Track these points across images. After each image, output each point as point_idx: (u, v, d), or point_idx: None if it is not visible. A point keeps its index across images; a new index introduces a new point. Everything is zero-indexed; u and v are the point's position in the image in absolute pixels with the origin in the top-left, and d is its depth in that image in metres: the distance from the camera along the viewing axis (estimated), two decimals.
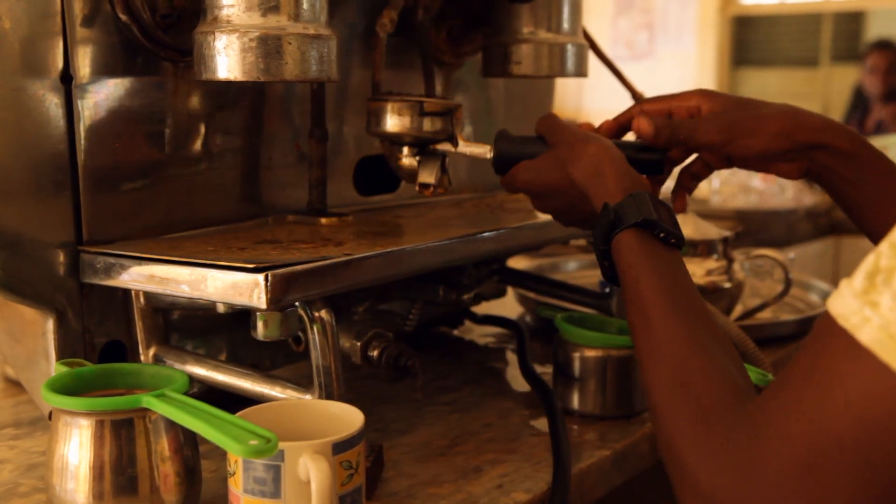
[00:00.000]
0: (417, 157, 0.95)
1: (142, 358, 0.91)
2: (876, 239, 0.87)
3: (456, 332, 1.36)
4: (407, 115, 0.93)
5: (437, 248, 0.89)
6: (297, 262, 0.77)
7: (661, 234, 0.78)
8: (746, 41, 7.70)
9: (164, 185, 0.94)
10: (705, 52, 6.33)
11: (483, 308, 1.36)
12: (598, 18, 6.39)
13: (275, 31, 0.80)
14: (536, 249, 1.30)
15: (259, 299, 0.74)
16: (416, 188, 0.95)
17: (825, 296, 1.47)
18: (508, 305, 1.42)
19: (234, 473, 0.71)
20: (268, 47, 0.80)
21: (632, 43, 6.41)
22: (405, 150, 0.95)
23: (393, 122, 0.93)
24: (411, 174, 0.96)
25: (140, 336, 0.91)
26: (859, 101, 5.95)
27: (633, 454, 0.97)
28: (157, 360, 0.91)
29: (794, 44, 8.16)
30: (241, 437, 0.65)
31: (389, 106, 0.94)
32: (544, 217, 1.07)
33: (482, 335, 1.35)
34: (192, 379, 0.90)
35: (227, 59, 0.81)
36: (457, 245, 0.91)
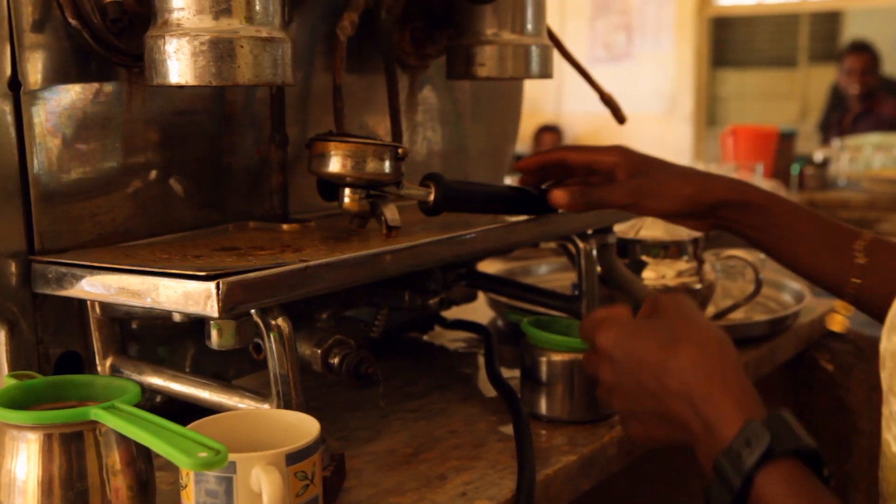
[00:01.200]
0: (370, 200, 0.95)
1: (98, 369, 0.89)
2: (796, 270, 0.99)
3: (426, 338, 1.35)
4: (353, 158, 0.92)
5: (397, 254, 0.87)
6: (250, 270, 0.75)
7: (826, 472, 0.65)
8: (725, 42, 7.73)
9: (119, 192, 0.92)
10: (683, 53, 6.34)
11: (455, 313, 1.34)
12: (576, 20, 6.40)
13: (227, 35, 0.79)
14: (504, 253, 1.29)
15: (211, 308, 0.73)
16: (384, 232, 0.95)
17: (797, 296, 1.47)
18: (480, 310, 1.41)
19: (186, 486, 0.69)
20: (219, 51, 0.79)
21: (610, 44, 6.41)
22: (348, 191, 0.94)
23: (336, 165, 0.92)
24: (357, 215, 0.96)
25: (96, 346, 0.89)
26: (837, 101, 5.98)
27: (601, 459, 0.96)
28: (115, 370, 0.89)
29: (772, 44, 8.20)
30: (189, 450, 0.63)
31: (333, 148, 0.93)
32: (512, 219, 1.07)
33: (452, 340, 1.34)
34: (151, 390, 0.89)
35: (179, 64, 0.79)
36: (418, 250, 0.90)
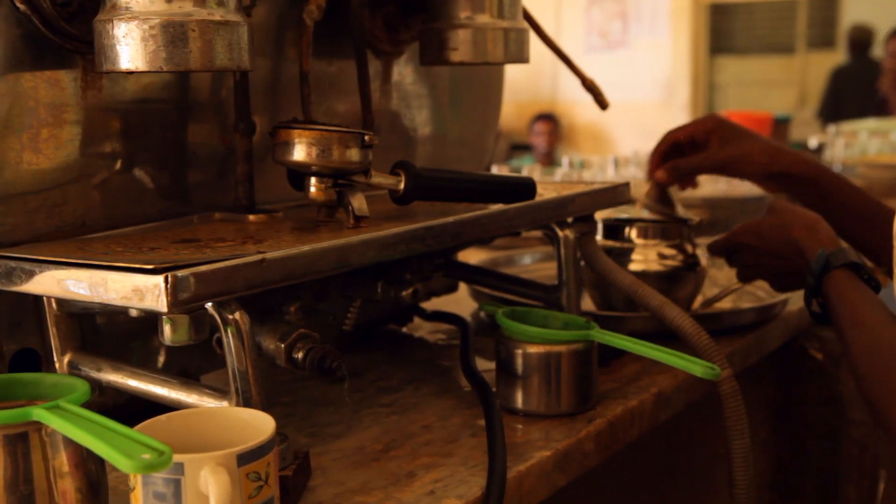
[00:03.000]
0: (337, 190, 0.92)
1: (56, 365, 0.86)
2: (842, 236, 1.14)
3: (405, 330, 1.32)
4: (318, 146, 0.89)
5: (360, 245, 0.84)
6: (202, 262, 0.72)
7: (865, 276, 1.02)
8: (722, 29, 7.69)
9: (76, 184, 0.89)
10: (679, 40, 6.31)
11: (438, 304, 1.32)
12: (571, 8, 6.37)
13: (178, 18, 0.76)
14: (481, 242, 1.25)
15: (160, 302, 0.70)
16: (350, 222, 0.92)
17: None
18: (464, 301, 1.38)
19: (134, 489, 0.67)
20: (170, 35, 0.76)
21: (605, 32, 6.38)
22: (314, 180, 0.91)
23: (301, 153, 0.90)
24: (324, 205, 0.94)
25: (54, 343, 0.86)
26: (836, 87, 5.94)
27: (577, 454, 0.93)
28: (73, 367, 0.86)
29: (770, 31, 8.15)
30: (132, 451, 0.60)
31: (297, 135, 0.90)
32: (490, 207, 1.04)
33: (432, 332, 1.31)
34: (111, 387, 0.86)
35: (128, 49, 0.76)
36: (382, 240, 0.87)
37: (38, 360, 0.87)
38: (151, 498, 0.65)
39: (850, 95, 5.81)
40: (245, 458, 0.66)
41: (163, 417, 0.71)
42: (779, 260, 1.15)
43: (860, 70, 6.08)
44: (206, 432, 0.71)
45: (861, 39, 6.17)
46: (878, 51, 6.23)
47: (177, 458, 0.63)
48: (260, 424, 0.70)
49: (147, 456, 0.60)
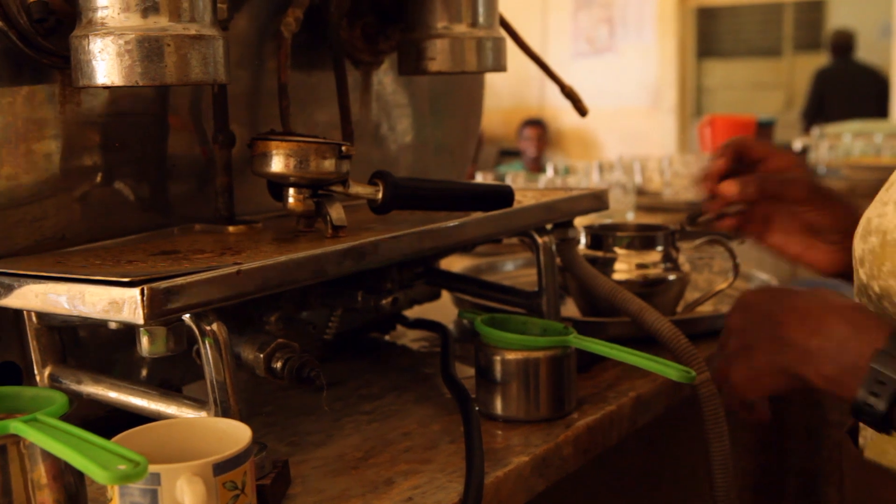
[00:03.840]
0: (315, 200, 0.93)
1: (37, 378, 0.87)
2: None
3: (388, 338, 1.33)
4: (295, 157, 0.90)
5: (337, 254, 0.85)
6: (178, 274, 0.73)
7: None
8: (710, 32, 7.72)
9: (57, 197, 0.90)
10: (666, 44, 6.33)
11: (420, 311, 1.32)
12: (558, 14, 6.39)
13: (153, 33, 0.77)
14: (460, 250, 1.26)
15: (137, 315, 0.71)
16: (329, 232, 0.93)
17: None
18: (446, 308, 1.39)
19: (112, 499, 0.67)
20: (145, 50, 0.76)
21: (592, 38, 6.40)
22: (292, 191, 0.92)
23: (279, 164, 0.90)
24: (302, 215, 0.95)
25: (34, 356, 0.86)
26: (819, 89, 5.97)
27: (556, 459, 0.94)
28: (53, 380, 0.87)
29: (757, 34, 8.20)
30: (108, 463, 0.61)
31: (275, 147, 0.91)
32: (469, 215, 1.05)
33: (415, 340, 1.32)
34: (91, 398, 0.87)
35: (104, 64, 0.77)
36: (359, 249, 0.88)
37: (19, 373, 0.88)
38: None
39: (833, 97, 5.85)
40: (221, 467, 0.66)
41: (141, 428, 0.72)
42: (769, 330, 0.87)
43: (843, 72, 6.12)
44: (183, 442, 0.72)
45: (843, 42, 6.22)
46: (860, 53, 6.28)
47: (153, 468, 0.64)
48: (237, 434, 0.71)
49: (123, 467, 0.61)
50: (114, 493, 0.67)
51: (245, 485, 0.69)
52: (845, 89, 5.87)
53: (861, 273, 0.89)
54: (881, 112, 5.80)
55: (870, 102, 5.82)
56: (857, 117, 4.33)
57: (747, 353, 0.88)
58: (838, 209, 1.04)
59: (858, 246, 0.89)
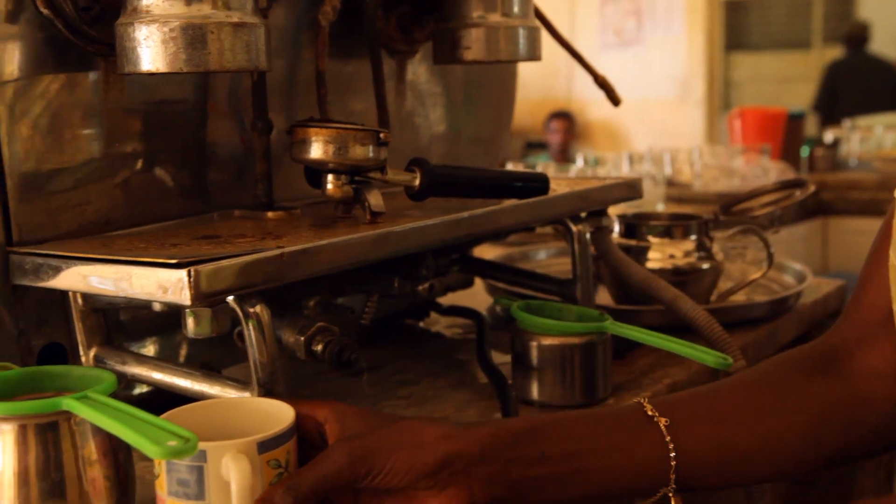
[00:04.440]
0: (353, 186, 0.93)
1: (82, 359, 0.89)
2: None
3: (422, 324, 1.34)
4: (334, 143, 0.91)
5: (377, 240, 0.86)
6: (224, 257, 0.74)
7: None
8: (738, 25, 7.67)
9: (99, 183, 0.92)
10: (694, 37, 6.30)
11: (454, 298, 1.33)
12: (585, 6, 6.37)
13: (197, 21, 0.78)
14: (495, 238, 1.27)
15: (184, 296, 0.72)
16: (367, 218, 0.93)
17: (799, 276, 1.45)
18: (479, 296, 1.40)
19: (159, 476, 0.69)
20: (189, 37, 0.78)
21: (620, 30, 6.38)
22: (331, 177, 0.93)
23: (318, 151, 0.91)
24: (341, 201, 0.95)
25: (80, 337, 0.88)
26: (832, 81, 5.90)
27: None
28: (98, 361, 0.88)
29: (785, 26, 8.13)
30: (159, 439, 0.63)
31: (314, 133, 0.92)
32: (503, 203, 1.06)
33: (449, 326, 1.33)
34: (136, 380, 0.89)
35: (149, 51, 0.78)
36: (398, 235, 0.89)
37: (64, 354, 0.90)
38: (175, 484, 0.67)
39: (846, 90, 5.79)
40: (265, 445, 0.68)
41: (187, 407, 0.73)
42: None
43: (856, 65, 6.07)
44: (228, 422, 0.73)
45: (858, 35, 6.17)
46: (889, 45, 6.21)
47: (200, 445, 0.65)
48: (280, 413, 0.72)
49: (173, 443, 0.62)
50: (161, 469, 0.68)
51: (289, 463, 0.70)
52: (858, 82, 5.81)
53: (893, 292, 0.79)
54: (895, 105, 5.74)
55: (884, 96, 5.76)
56: (871, 110, 4.28)
57: None
58: (406, 455, 0.68)
59: (891, 257, 0.80)
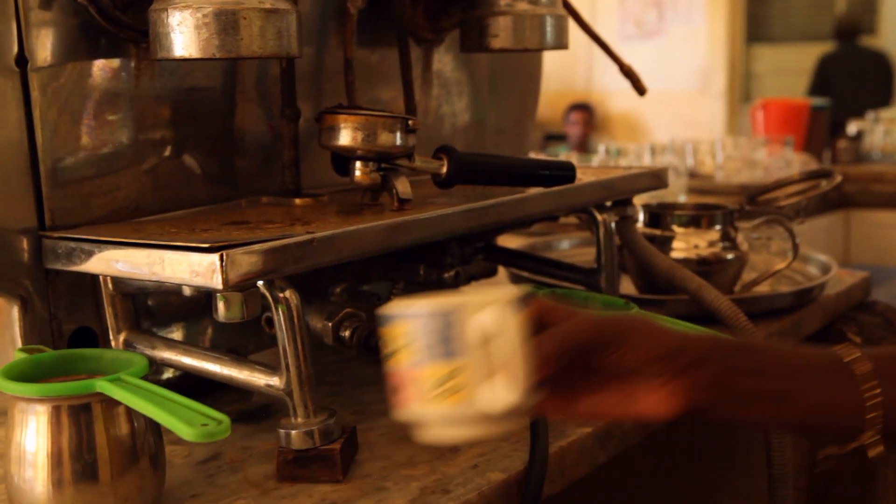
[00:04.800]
0: (381, 173, 0.94)
1: (112, 343, 0.89)
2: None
3: None
4: (362, 130, 0.91)
5: (405, 226, 0.87)
6: (254, 241, 0.75)
7: None
8: (760, 17, 7.62)
9: (129, 169, 0.92)
10: (716, 29, 6.26)
11: (476, 287, 1.34)
12: None
13: (230, 7, 0.79)
14: (520, 226, 1.27)
15: (216, 280, 0.73)
16: (395, 205, 0.94)
17: (824, 267, 1.44)
18: (502, 284, 1.40)
19: (398, 350, 0.65)
20: (223, 23, 0.78)
21: (641, 21, 6.34)
22: (359, 164, 0.94)
23: (346, 137, 0.92)
24: (368, 188, 0.96)
25: (110, 322, 0.89)
26: (823, 72, 5.84)
27: (618, 431, 0.95)
28: (128, 345, 0.89)
29: (807, 19, 8.07)
30: (192, 420, 0.64)
31: (343, 120, 0.92)
32: (528, 191, 1.05)
33: None
34: (166, 364, 0.89)
35: (182, 37, 0.79)
36: (426, 222, 0.89)
37: (95, 338, 0.91)
38: (426, 349, 0.64)
39: (839, 83, 5.73)
40: (514, 306, 0.64)
41: (421, 301, 0.66)
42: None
43: (847, 57, 6.01)
44: None
45: (848, 28, 6.11)
46: (866, 39, 6.16)
47: (454, 303, 0.64)
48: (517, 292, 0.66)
49: (206, 425, 0.63)
50: (403, 341, 0.65)
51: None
52: (851, 75, 5.75)
53: None
54: (888, 98, 5.69)
55: (878, 88, 5.71)
56: (865, 103, 4.22)
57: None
58: (646, 335, 0.71)
59: None
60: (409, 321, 0.65)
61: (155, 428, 0.74)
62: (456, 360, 0.64)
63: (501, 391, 0.64)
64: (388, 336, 0.66)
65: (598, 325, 0.69)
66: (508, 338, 0.64)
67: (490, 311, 0.64)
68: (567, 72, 6.11)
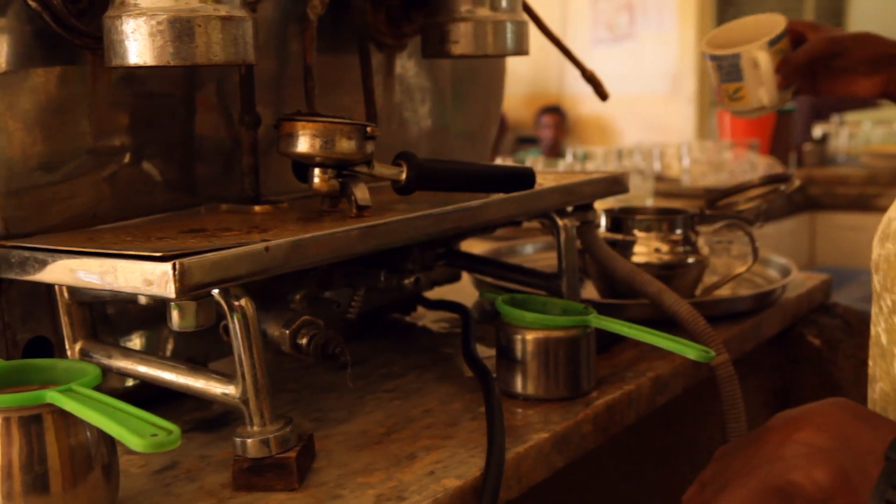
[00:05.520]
0: (340, 180, 0.94)
1: (68, 353, 0.89)
2: None
3: (408, 318, 1.34)
4: (321, 137, 0.91)
5: (361, 233, 0.87)
6: (209, 250, 0.75)
7: None
8: (730, 20, 7.67)
9: (86, 176, 0.92)
10: (686, 32, 6.30)
11: (441, 293, 1.34)
12: (578, 1, 6.37)
13: (184, 14, 0.78)
14: (481, 232, 1.28)
15: (169, 289, 0.72)
16: (354, 212, 0.94)
17: (784, 270, 1.46)
18: (466, 290, 1.41)
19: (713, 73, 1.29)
20: (177, 30, 0.78)
21: (612, 25, 6.38)
22: (317, 171, 0.94)
23: (304, 144, 0.92)
24: (327, 195, 0.96)
25: (66, 331, 0.88)
26: None
27: (575, 436, 0.95)
28: (84, 354, 0.89)
29: None
30: (142, 431, 0.63)
31: (301, 127, 0.92)
32: (489, 196, 1.06)
33: (435, 321, 1.34)
34: (122, 373, 0.89)
35: (137, 44, 0.79)
36: (383, 228, 0.89)
37: (50, 347, 0.90)
38: (724, 75, 1.27)
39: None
40: (773, 41, 1.24)
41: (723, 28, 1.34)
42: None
43: None
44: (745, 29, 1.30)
45: None
46: None
47: (734, 50, 1.25)
48: (774, 20, 1.28)
49: (156, 435, 0.63)
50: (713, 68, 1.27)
51: (787, 49, 1.26)
52: None
53: (875, 280, 0.87)
54: (853, 102, 5.73)
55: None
56: (830, 106, 4.25)
57: (723, 489, 0.73)
58: (858, 43, 1.25)
59: (875, 249, 0.87)
60: (715, 61, 1.27)
61: (108, 438, 0.74)
62: (741, 82, 1.26)
63: (765, 95, 1.26)
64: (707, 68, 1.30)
65: (831, 40, 1.23)
66: (766, 65, 1.24)
67: (756, 49, 1.23)
68: (539, 75, 6.14)
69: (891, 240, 0.83)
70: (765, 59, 1.22)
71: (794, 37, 1.28)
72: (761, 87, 1.25)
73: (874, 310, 0.87)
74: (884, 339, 0.86)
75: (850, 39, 1.24)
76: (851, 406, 0.71)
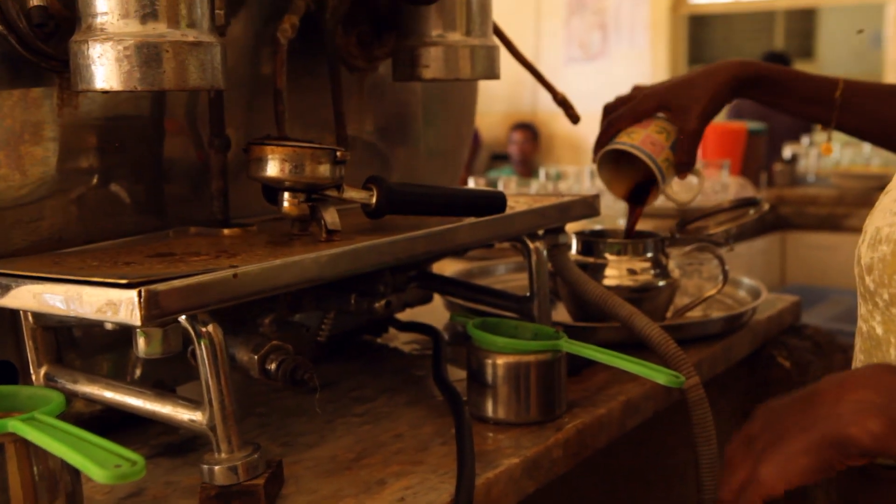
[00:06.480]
0: (310, 204, 0.94)
1: (33, 378, 0.88)
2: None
3: (380, 340, 1.34)
4: (290, 161, 0.91)
5: (330, 258, 0.86)
6: (175, 277, 0.74)
7: None
8: (701, 39, 7.76)
9: (53, 199, 0.91)
10: (658, 51, 6.35)
11: (413, 315, 1.34)
12: (551, 19, 6.41)
13: (151, 40, 0.78)
14: (453, 255, 1.28)
15: (134, 316, 0.72)
16: (323, 236, 0.94)
17: (754, 292, 1.47)
18: (438, 311, 1.40)
19: None
20: (144, 56, 0.78)
21: (585, 43, 6.42)
22: (287, 195, 0.94)
23: (274, 169, 0.92)
24: (297, 219, 0.96)
25: (31, 356, 0.87)
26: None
27: (546, 461, 0.95)
28: (49, 379, 0.88)
29: (748, 42, 8.24)
30: (105, 461, 0.62)
31: (270, 152, 0.92)
32: (461, 220, 1.06)
33: (407, 342, 1.33)
34: (88, 399, 0.88)
35: (103, 69, 0.78)
36: (352, 253, 0.89)
37: (14, 372, 0.89)
38: None
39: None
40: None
41: None
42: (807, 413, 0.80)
43: None
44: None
45: (777, 58, 6.29)
46: (850, 63, 6.29)
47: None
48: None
49: (120, 466, 0.62)
50: None
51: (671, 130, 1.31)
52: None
53: (868, 281, 0.92)
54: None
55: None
56: (801, 127, 4.31)
57: (776, 443, 0.78)
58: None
59: (867, 254, 0.92)
60: None
61: (72, 466, 0.73)
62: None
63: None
64: None
65: (653, 96, 1.39)
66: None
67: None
68: (513, 93, 6.16)
69: (884, 243, 0.90)
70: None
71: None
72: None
73: (866, 308, 0.94)
74: (879, 331, 0.92)
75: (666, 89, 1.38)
76: (894, 368, 0.80)
